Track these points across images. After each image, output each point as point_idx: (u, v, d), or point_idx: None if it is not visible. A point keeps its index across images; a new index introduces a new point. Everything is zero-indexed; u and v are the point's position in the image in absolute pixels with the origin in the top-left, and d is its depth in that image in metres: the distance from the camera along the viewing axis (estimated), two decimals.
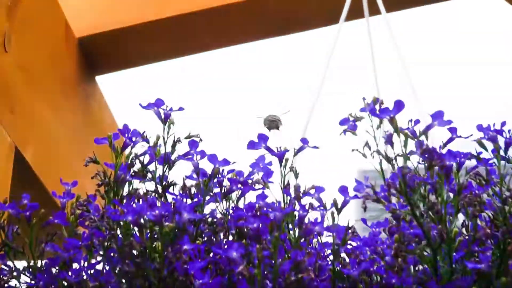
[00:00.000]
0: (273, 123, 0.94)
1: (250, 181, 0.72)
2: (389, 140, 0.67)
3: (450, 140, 0.68)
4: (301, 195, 0.69)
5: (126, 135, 0.72)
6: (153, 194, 0.71)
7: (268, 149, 0.72)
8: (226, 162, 0.70)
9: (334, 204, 0.68)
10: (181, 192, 0.70)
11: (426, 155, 0.66)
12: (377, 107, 0.67)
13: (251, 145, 0.71)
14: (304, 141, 0.73)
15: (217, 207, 0.70)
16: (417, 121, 0.67)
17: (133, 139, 0.72)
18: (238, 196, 0.71)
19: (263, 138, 0.72)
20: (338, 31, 1.51)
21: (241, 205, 0.71)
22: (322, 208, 0.68)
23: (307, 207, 0.68)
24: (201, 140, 0.73)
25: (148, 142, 0.73)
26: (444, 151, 0.68)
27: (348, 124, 0.70)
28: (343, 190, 0.68)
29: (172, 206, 0.61)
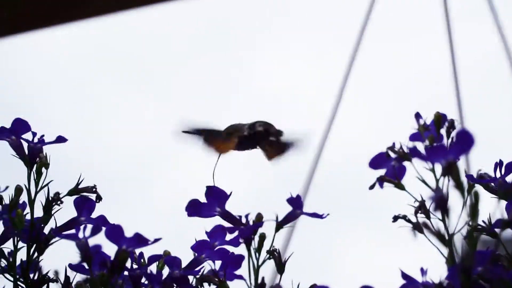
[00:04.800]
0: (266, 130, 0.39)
1: (194, 278, 0.38)
2: (439, 204, 0.37)
3: None
4: None
5: None
6: None
7: (227, 218, 0.38)
8: (141, 240, 0.37)
9: None
10: None
11: None
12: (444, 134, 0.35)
13: (193, 208, 0.37)
14: (295, 202, 0.38)
15: None
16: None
17: None
18: None
19: (218, 195, 0.38)
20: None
21: None
22: None
23: None
24: (99, 198, 0.39)
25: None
26: None
27: (386, 166, 0.37)
28: None
29: None
